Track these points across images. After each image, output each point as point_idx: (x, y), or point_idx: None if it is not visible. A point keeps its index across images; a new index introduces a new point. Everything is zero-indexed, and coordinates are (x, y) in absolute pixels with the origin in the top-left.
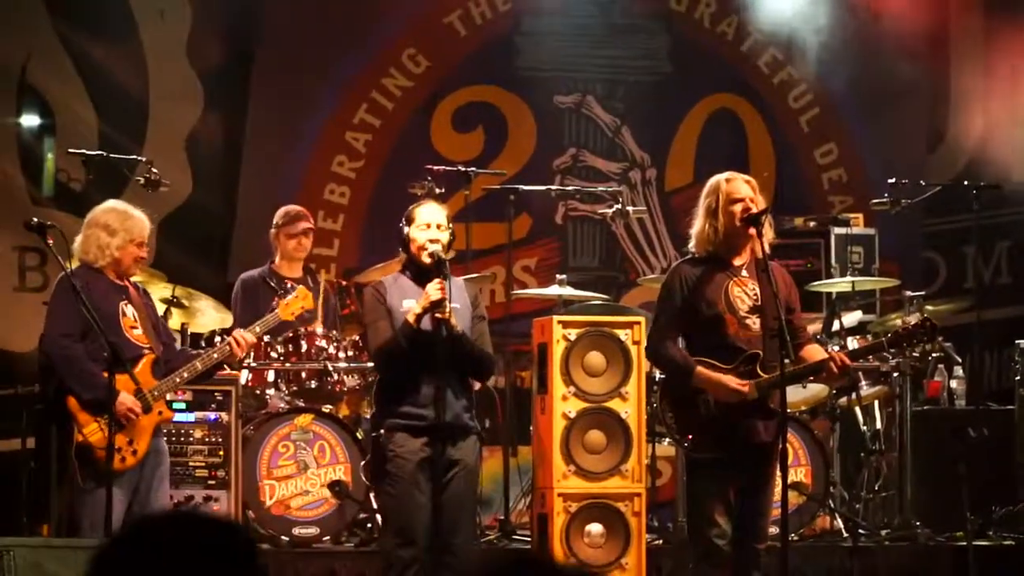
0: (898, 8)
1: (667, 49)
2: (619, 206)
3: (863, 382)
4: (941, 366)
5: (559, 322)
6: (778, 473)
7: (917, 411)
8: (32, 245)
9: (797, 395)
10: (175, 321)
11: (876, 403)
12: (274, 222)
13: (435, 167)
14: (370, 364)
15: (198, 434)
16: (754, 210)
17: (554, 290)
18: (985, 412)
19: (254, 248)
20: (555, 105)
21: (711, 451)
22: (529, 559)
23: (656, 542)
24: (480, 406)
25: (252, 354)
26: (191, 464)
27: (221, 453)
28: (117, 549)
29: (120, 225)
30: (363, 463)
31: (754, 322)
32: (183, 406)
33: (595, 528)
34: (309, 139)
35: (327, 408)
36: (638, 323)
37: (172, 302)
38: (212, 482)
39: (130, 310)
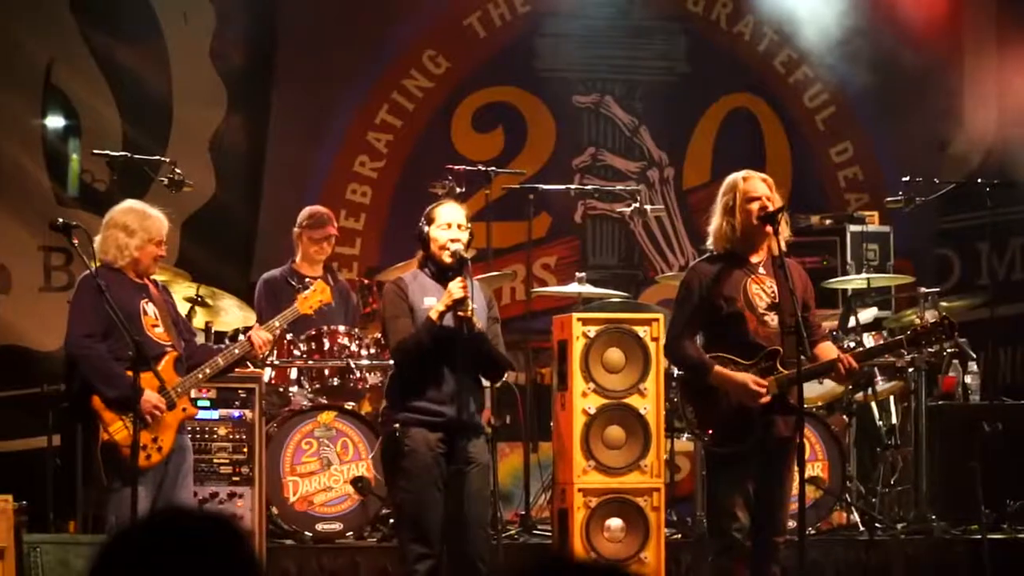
0: (912, 6)
1: (684, 49)
2: (637, 205)
3: (879, 378)
4: (956, 362)
5: (579, 319)
6: (796, 468)
7: (932, 406)
8: (57, 245)
9: (814, 391)
10: (199, 319)
11: (892, 398)
12: (298, 221)
13: (456, 167)
14: (391, 361)
15: (222, 431)
16: (771, 208)
17: (573, 288)
18: (999, 407)
19: (277, 247)
20: (574, 105)
21: (730, 446)
22: (556, 558)
23: (675, 536)
24: (501, 403)
25: (275, 352)
26: (215, 461)
27: (245, 450)
28: (107, 557)
29: (139, 225)
30: (372, 455)
31: (772, 319)
32: (207, 403)
33: (615, 523)
34: (331, 140)
35: (350, 405)
36: (656, 320)
37: (196, 301)
38: (236, 479)
39: (151, 309)
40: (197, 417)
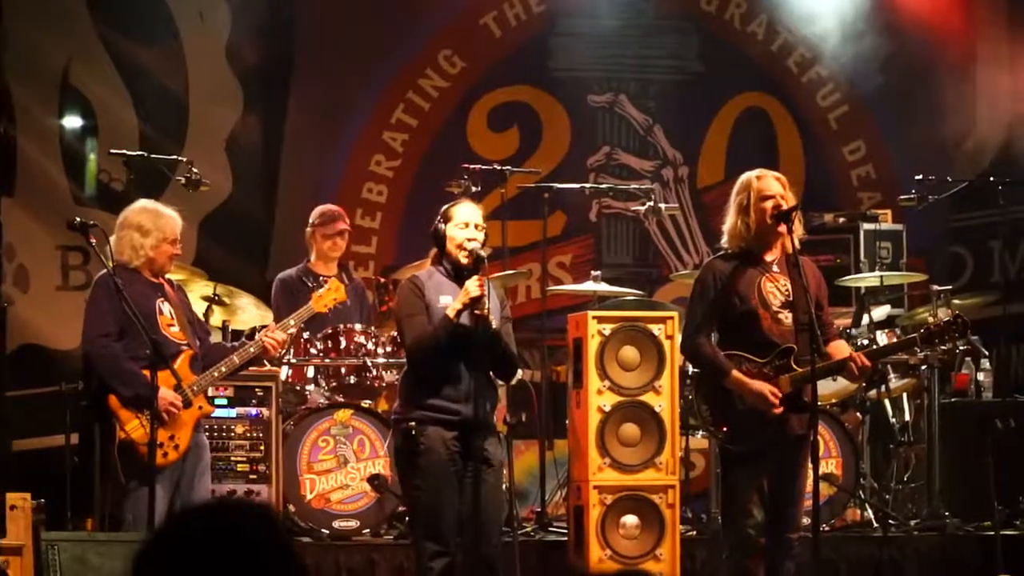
0: (924, 5)
1: (698, 49)
2: (652, 203)
3: (892, 375)
4: (968, 359)
5: (594, 317)
6: (810, 465)
7: (945, 403)
8: (75, 244)
9: (828, 388)
10: (216, 318)
11: (905, 396)
12: (310, 221)
13: (471, 166)
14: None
15: (239, 429)
16: (784, 207)
17: (589, 286)
18: (1012, 404)
19: (294, 246)
20: (588, 104)
21: (745, 443)
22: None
23: (690, 533)
24: (517, 401)
25: (292, 350)
26: (233, 459)
27: (262, 448)
28: (159, 543)
29: (153, 224)
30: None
31: (786, 317)
32: (224, 402)
33: (630, 520)
34: (347, 139)
35: (366, 403)
36: (671, 318)
37: (213, 300)
38: (253, 476)
39: (167, 308)
40: (214, 415)
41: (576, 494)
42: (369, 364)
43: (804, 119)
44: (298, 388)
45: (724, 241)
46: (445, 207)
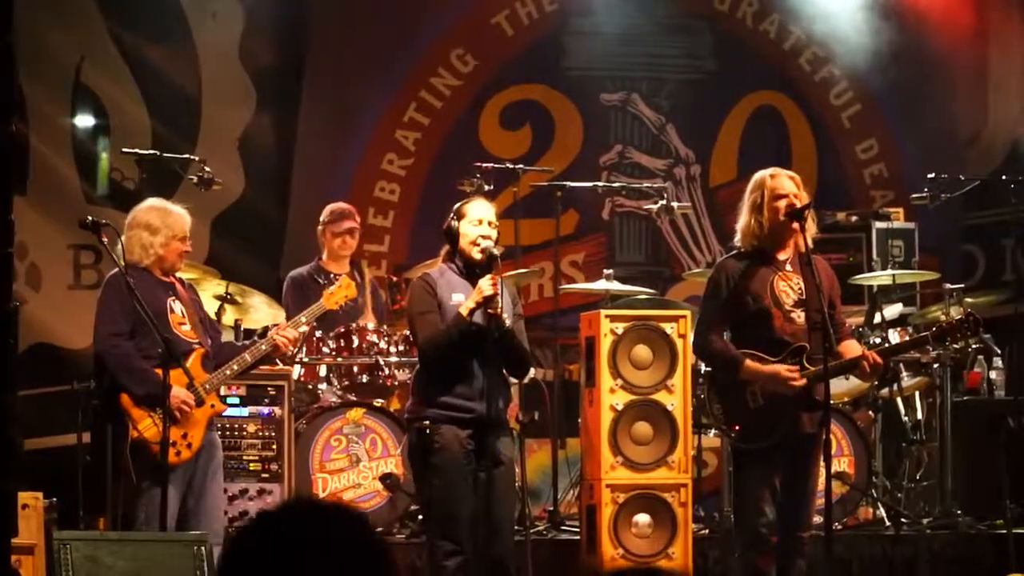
0: (937, 3)
1: (710, 47)
2: (664, 202)
3: (904, 373)
4: (981, 357)
5: (606, 316)
6: (822, 463)
7: (957, 402)
8: (87, 243)
9: (840, 387)
10: (228, 317)
11: (917, 394)
12: (321, 219)
13: (484, 164)
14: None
15: (251, 428)
16: (798, 205)
17: (601, 285)
18: None
19: (306, 245)
20: (601, 103)
21: (757, 441)
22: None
23: (703, 532)
24: (529, 399)
25: (305, 349)
26: (245, 458)
27: (274, 447)
28: (246, 543)
29: (161, 222)
30: (400, 450)
31: (798, 315)
32: (237, 401)
33: (642, 518)
34: (360, 137)
35: (378, 402)
36: (683, 317)
37: (225, 298)
38: (265, 475)
39: (178, 306)
40: (227, 414)
41: (588, 493)
42: (381, 363)
43: (817, 118)
44: (310, 387)
45: (737, 240)
46: (458, 204)
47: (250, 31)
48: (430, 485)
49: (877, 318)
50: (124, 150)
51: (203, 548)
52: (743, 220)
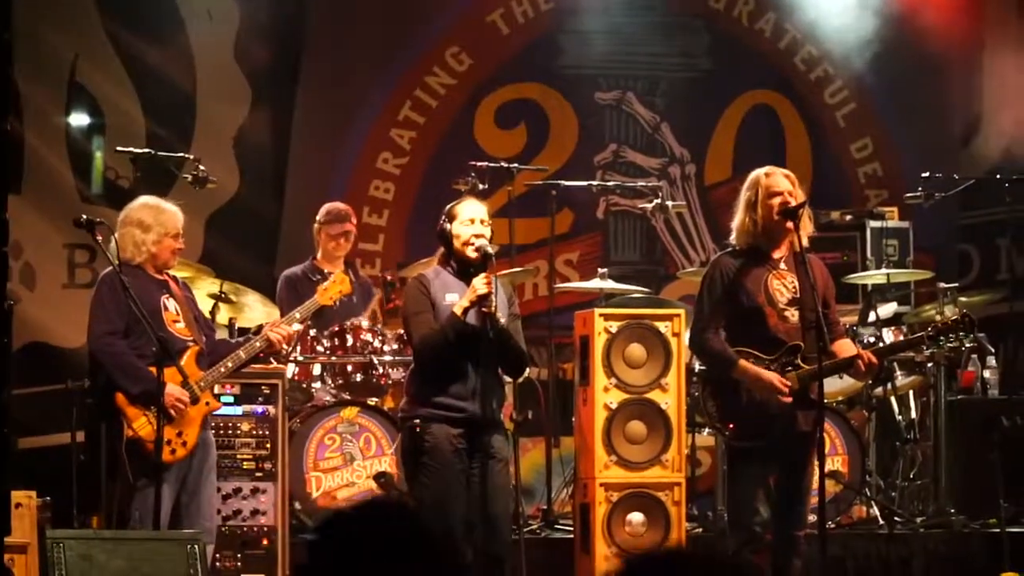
0: (932, 3)
1: (706, 46)
2: (659, 201)
3: (898, 372)
4: (975, 356)
5: (601, 315)
6: (816, 462)
7: (951, 401)
8: (81, 242)
9: (834, 386)
10: (223, 315)
11: (911, 393)
12: (317, 218)
13: (479, 163)
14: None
15: (245, 427)
16: (792, 204)
17: (596, 284)
18: (1018, 401)
19: (301, 244)
20: (596, 102)
21: (751, 440)
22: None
23: (696, 530)
24: (523, 398)
25: (299, 348)
26: (239, 457)
27: (268, 446)
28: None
29: (154, 220)
30: (394, 448)
31: (792, 314)
32: (231, 399)
33: (636, 517)
34: (355, 136)
35: (372, 401)
36: (678, 316)
37: (220, 297)
38: (259, 474)
39: (171, 304)
40: (221, 413)
41: (582, 491)
42: (376, 362)
43: (812, 117)
44: (304, 386)
45: (732, 238)
46: (449, 206)
47: (245, 30)
48: (422, 484)
49: (871, 317)
50: (119, 148)
51: (197, 547)
52: (738, 218)
